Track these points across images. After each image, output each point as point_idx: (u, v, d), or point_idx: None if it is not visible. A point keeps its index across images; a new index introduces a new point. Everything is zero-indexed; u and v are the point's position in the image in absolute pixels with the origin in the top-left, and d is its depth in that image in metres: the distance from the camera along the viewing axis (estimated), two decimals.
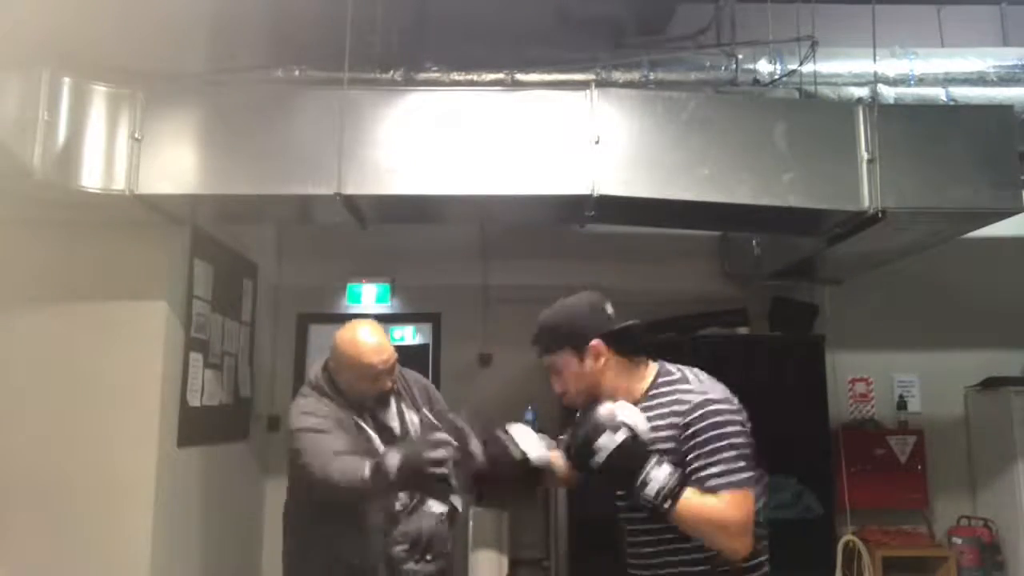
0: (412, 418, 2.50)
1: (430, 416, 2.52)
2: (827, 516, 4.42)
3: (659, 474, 1.61)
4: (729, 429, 1.66)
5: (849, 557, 3.81)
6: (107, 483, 3.30)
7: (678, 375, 1.80)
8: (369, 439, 2.36)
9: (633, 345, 1.80)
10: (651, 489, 1.60)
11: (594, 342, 1.76)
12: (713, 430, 1.65)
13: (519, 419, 1.96)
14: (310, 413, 2.37)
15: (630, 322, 1.82)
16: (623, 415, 1.65)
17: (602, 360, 1.76)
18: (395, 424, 2.43)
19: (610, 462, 1.62)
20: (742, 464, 1.64)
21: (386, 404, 2.43)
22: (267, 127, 3.19)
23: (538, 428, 4.64)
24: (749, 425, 1.73)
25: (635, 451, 1.63)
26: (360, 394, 2.40)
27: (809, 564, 4.11)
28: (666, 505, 1.60)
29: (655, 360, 1.84)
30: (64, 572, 3.22)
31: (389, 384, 2.40)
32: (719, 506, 1.59)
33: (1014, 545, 4.48)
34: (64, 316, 3.41)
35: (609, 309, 1.82)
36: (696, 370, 1.83)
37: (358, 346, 2.36)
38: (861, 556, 3.75)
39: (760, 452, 1.81)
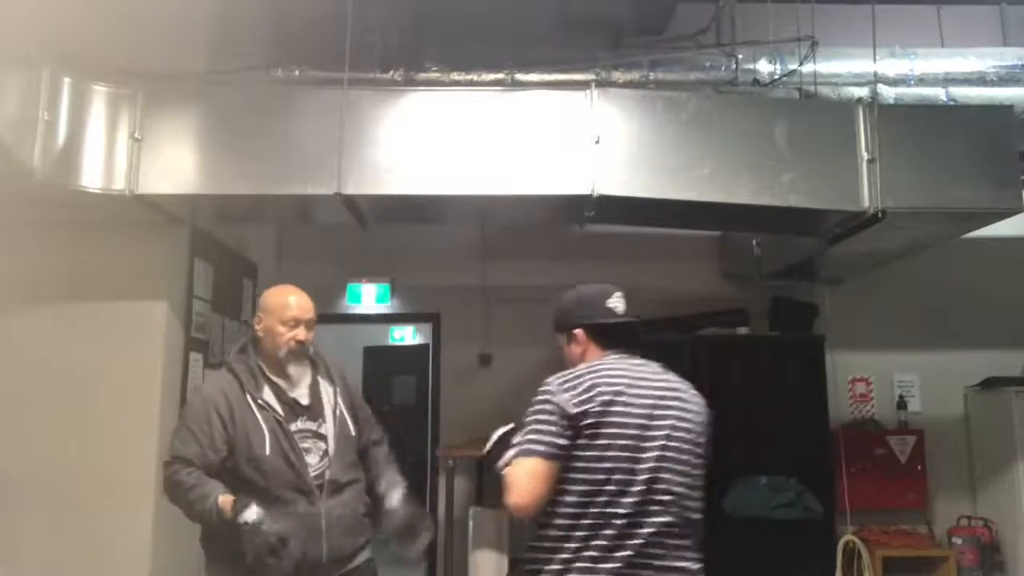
0: (327, 389, 2.58)
1: (344, 396, 2.61)
2: (827, 516, 4.42)
3: (510, 453, 1.88)
4: (534, 406, 1.89)
5: (849, 557, 3.81)
6: (107, 483, 3.30)
7: (600, 366, 1.94)
8: (255, 422, 2.41)
9: (610, 339, 2.02)
10: (501, 462, 1.90)
11: (576, 331, 2.04)
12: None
13: (518, 419, 2.03)
14: (200, 395, 2.53)
15: (616, 319, 2.03)
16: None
17: (580, 348, 2.03)
18: (304, 398, 2.53)
19: (491, 448, 1.97)
20: (527, 434, 1.85)
21: (297, 380, 2.54)
22: (267, 127, 3.19)
23: None
24: (563, 407, 1.85)
25: (507, 439, 1.93)
26: (276, 345, 2.50)
27: (809, 564, 4.12)
28: (502, 471, 1.88)
29: (626, 352, 2.01)
30: (64, 572, 3.22)
31: (303, 336, 2.53)
32: (510, 469, 1.86)
33: (1014, 545, 4.48)
34: (64, 316, 3.41)
35: (610, 302, 2.04)
36: (621, 362, 1.96)
37: (284, 293, 2.60)
38: (861, 556, 3.75)
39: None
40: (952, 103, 3.72)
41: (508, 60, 3.71)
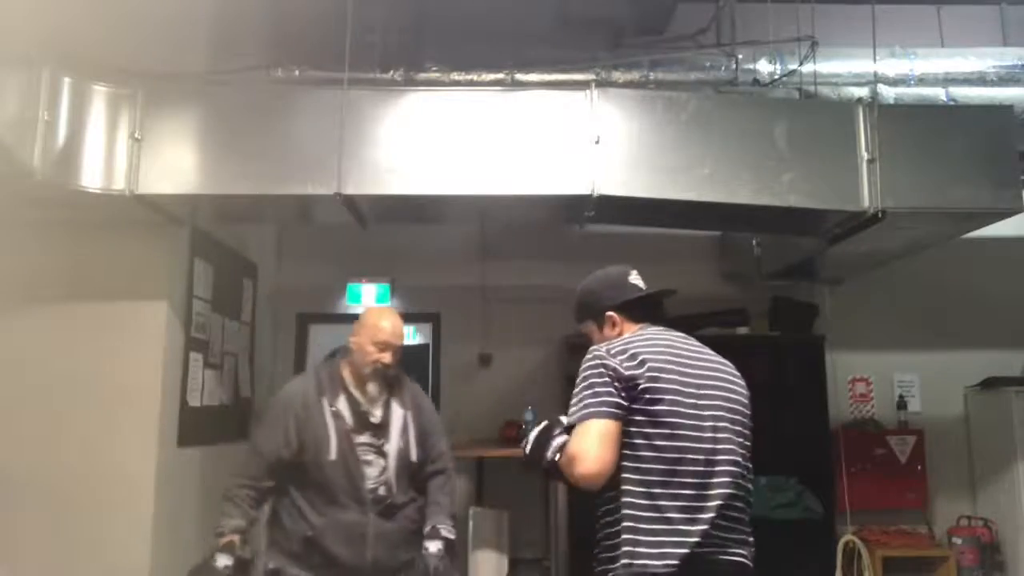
0: (398, 412, 2.72)
1: (416, 423, 2.77)
2: (827, 516, 4.42)
3: (558, 440, 1.87)
4: (584, 373, 1.86)
5: (849, 557, 3.82)
6: (107, 483, 3.30)
7: (642, 336, 1.96)
8: (325, 426, 2.62)
9: (641, 312, 2.06)
10: (550, 452, 1.87)
11: (608, 313, 2.06)
12: (578, 375, 1.88)
13: (517, 416, 2.10)
14: (281, 395, 2.77)
15: (642, 292, 2.08)
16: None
17: (616, 328, 2.05)
18: (376, 414, 2.68)
19: (533, 446, 1.93)
20: (585, 400, 1.82)
21: (373, 397, 2.69)
22: (267, 127, 3.19)
23: None
24: (617, 369, 1.83)
25: (550, 431, 1.91)
26: (363, 362, 2.67)
27: (809, 564, 4.12)
28: (556, 457, 1.85)
29: (654, 324, 2.05)
30: (64, 572, 3.22)
31: (388, 360, 2.66)
32: (570, 440, 1.83)
33: (1014, 545, 4.48)
34: (64, 316, 3.41)
35: (632, 279, 2.11)
36: (663, 334, 1.99)
37: (382, 316, 2.75)
38: (861, 556, 3.75)
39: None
40: (952, 103, 3.72)
41: (508, 60, 3.71)
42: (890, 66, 3.77)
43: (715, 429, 1.85)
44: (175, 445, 3.52)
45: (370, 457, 2.64)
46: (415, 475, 2.75)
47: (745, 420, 1.97)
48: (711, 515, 1.80)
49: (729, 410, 1.91)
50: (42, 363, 3.35)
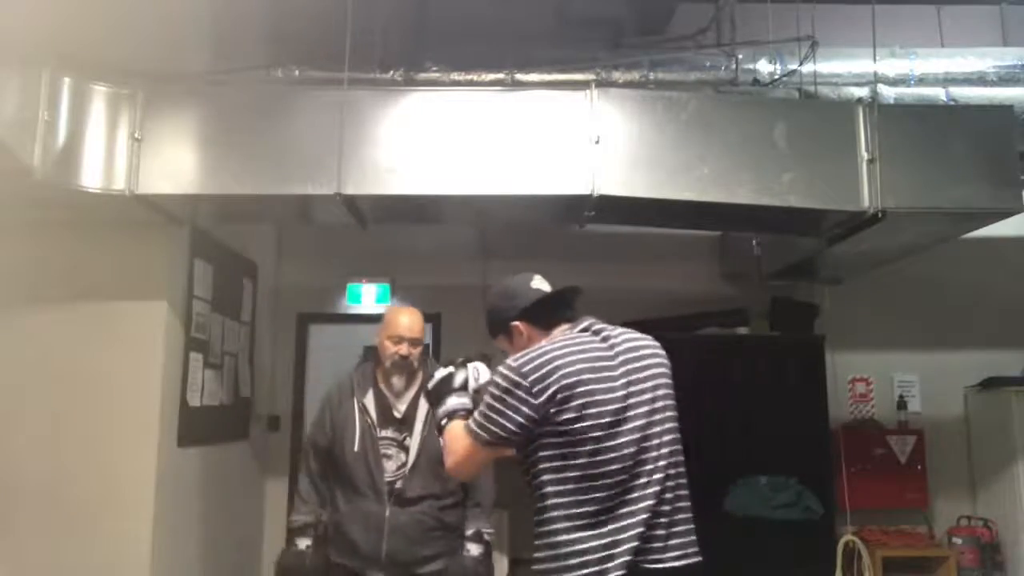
0: (424, 406, 2.76)
1: None
2: (827, 516, 4.42)
3: (454, 401, 2.01)
4: (494, 386, 1.86)
5: (849, 557, 3.81)
6: (107, 483, 3.30)
7: (553, 346, 1.90)
8: (352, 419, 2.79)
9: (549, 316, 2.00)
10: (441, 411, 2.01)
11: (514, 324, 2.01)
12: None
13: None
14: (324, 396, 2.99)
15: (542, 294, 2.02)
16: (472, 364, 2.11)
17: (524, 336, 2.00)
18: (399, 409, 2.81)
19: (432, 388, 2.07)
20: (483, 412, 1.85)
21: (399, 392, 2.82)
22: (267, 127, 3.19)
23: None
24: (527, 388, 1.81)
25: (448, 383, 2.05)
26: (383, 357, 2.82)
27: (809, 564, 4.11)
28: (443, 422, 1.99)
29: (570, 325, 1.99)
30: (64, 572, 3.22)
31: (404, 351, 2.78)
32: (452, 429, 1.95)
33: (1014, 545, 4.48)
34: (64, 316, 3.41)
35: (534, 284, 2.04)
36: (573, 337, 1.93)
37: (398, 312, 2.89)
38: (861, 556, 3.75)
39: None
40: (952, 103, 3.71)
41: (508, 60, 3.70)
42: (890, 66, 3.77)
43: (644, 428, 1.79)
44: (175, 445, 3.52)
45: (391, 451, 2.75)
46: (439, 471, 2.67)
47: (673, 402, 1.90)
48: (644, 517, 1.74)
49: (656, 398, 1.84)
50: (42, 363, 3.36)
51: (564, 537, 1.74)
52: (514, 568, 4.37)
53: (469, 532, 2.77)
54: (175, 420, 3.53)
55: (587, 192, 3.12)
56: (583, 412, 1.76)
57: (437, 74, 3.71)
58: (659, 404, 1.85)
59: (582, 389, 1.77)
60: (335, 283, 5.00)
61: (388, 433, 2.77)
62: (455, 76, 3.70)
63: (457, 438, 1.91)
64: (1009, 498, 4.52)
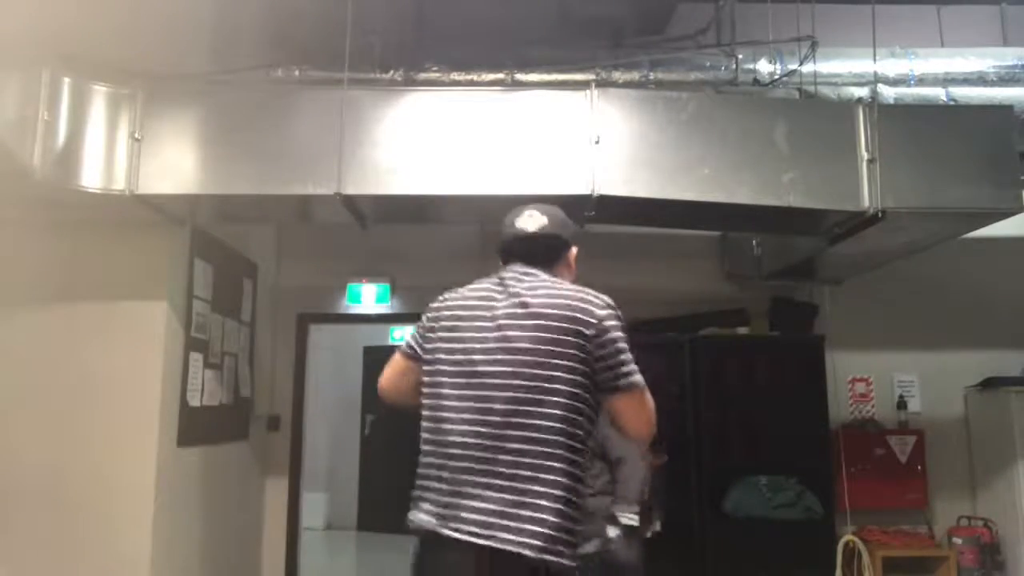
0: None
1: None
2: (827, 516, 4.42)
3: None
4: None
5: (849, 557, 3.82)
6: (107, 483, 3.30)
7: (475, 283, 1.94)
8: None
9: (508, 255, 1.95)
10: None
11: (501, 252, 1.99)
12: None
13: None
14: None
15: (510, 234, 1.94)
16: None
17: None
18: None
19: None
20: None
21: None
22: (267, 127, 3.19)
23: None
24: (424, 316, 1.96)
25: None
26: None
27: (809, 564, 4.12)
28: None
29: (523, 266, 1.90)
30: (64, 572, 3.22)
31: None
32: None
33: (1014, 545, 4.48)
34: (64, 316, 3.41)
35: (519, 221, 1.93)
36: (494, 279, 1.90)
37: None
38: (861, 556, 3.75)
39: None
40: (952, 103, 3.71)
41: (508, 60, 3.71)
42: (890, 66, 3.77)
43: (499, 387, 1.69)
44: (175, 445, 3.52)
45: None
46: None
47: (539, 359, 1.69)
48: (461, 477, 1.65)
49: (517, 363, 1.69)
50: (42, 363, 3.36)
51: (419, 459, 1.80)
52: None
53: (608, 515, 2.89)
54: (175, 420, 3.53)
55: (587, 192, 3.12)
56: (439, 350, 1.82)
57: (437, 74, 3.71)
58: (516, 364, 1.70)
59: (446, 327, 1.84)
60: (335, 283, 5.00)
61: None
62: (455, 76, 3.70)
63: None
64: (1009, 498, 4.52)
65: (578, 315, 1.73)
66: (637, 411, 1.77)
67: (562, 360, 1.69)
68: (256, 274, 4.60)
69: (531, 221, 1.92)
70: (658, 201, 3.17)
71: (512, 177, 3.15)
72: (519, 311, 1.76)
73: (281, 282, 5.01)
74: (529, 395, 1.67)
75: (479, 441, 1.67)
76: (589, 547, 2.88)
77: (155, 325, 3.46)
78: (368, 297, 4.99)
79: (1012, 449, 4.49)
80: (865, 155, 3.17)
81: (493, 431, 1.67)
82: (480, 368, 1.73)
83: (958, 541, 4.58)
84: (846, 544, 3.83)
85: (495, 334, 1.75)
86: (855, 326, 4.87)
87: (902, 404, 4.91)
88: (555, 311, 1.74)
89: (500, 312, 1.78)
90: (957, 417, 4.96)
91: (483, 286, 1.88)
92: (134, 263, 3.48)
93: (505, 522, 1.59)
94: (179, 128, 3.19)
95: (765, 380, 4.61)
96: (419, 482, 1.76)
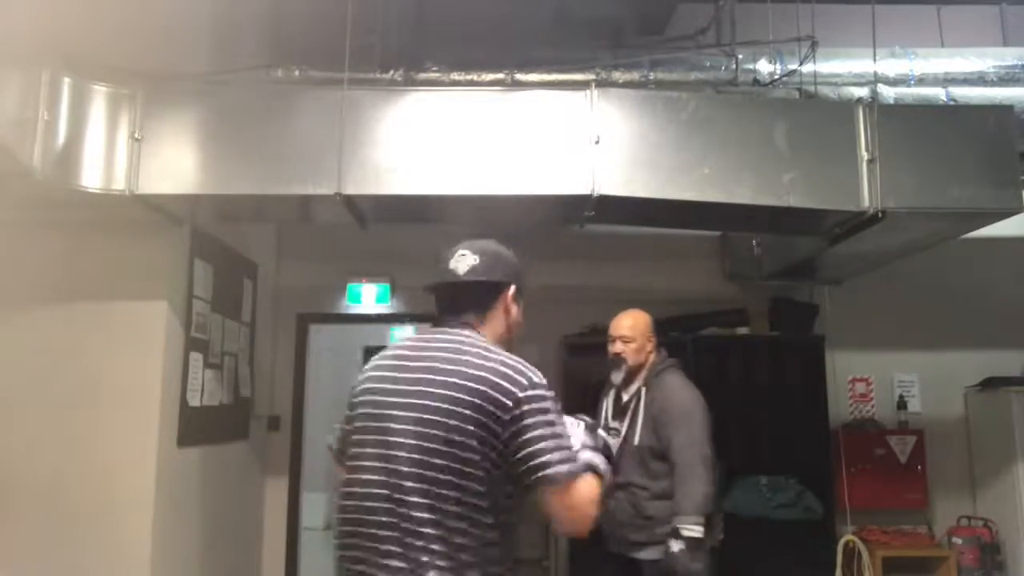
0: (639, 399, 3.07)
1: (648, 411, 3.06)
2: (827, 516, 4.42)
3: None
4: None
5: (849, 557, 3.82)
6: (107, 483, 3.30)
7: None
8: (599, 413, 3.19)
9: (439, 306, 1.84)
10: None
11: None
12: None
13: None
14: None
15: (444, 281, 1.81)
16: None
17: None
18: (623, 400, 3.15)
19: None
20: None
21: (624, 386, 3.15)
22: (267, 127, 3.19)
23: None
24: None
25: None
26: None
27: (809, 564, 4.12)
28: None
29: (449, 322, 1.80)
30: (64, 572, 3.22)
31: (616, 349, 3.13)
32: None
33: (1014, 545, 4.48)
34: (64, 316, 3.41)
35: (451, 263, 1.80)
36: (408, 338, 1.89)
37: (622, 313, 3.22)
38: (861, 556, 3.75)
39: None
40: (952, 103, 3.72)
41: (508, 60, 3.71)
42: (890, 66, 3.77)
43: (400, 459, 1.61)
44: (175, 445, 3.52)
45: (613, 441, 2.91)
46: (644, 461, 2.99)
47: (443, 434, 1.58)
48: (356, 541, 1.64)
49: (420, 432, 1.60)
50: (42, 363, 3.35)
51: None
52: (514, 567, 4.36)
53: (669, 528, 2.86)
54: (175, 420, 3.52)
55: (587, 192, 3.12)
56: (356, 419, 1.73)
57: (437, 74, 3.71)
58: (416, 437, 1.61)
59: (365, 403, 1.72)
60: (335, 283, 5.00)
61: (615, 424, 3.08)
62: (455, 76, 3.71)
63: None
64: (1009, 498, 4.52)
65: (493, 393, 1.58)
66: (567, 503, 1.58)
67: (470, 440, 1.56)
68: (256, 274, 4.60)
69: (461, 262, 1.78)
70: (658, 201, 3.17)
71: (512, 177, 3.15)
72: (431, 378, 1.63)
73: (281, 282, 5.00)
74: (433, 473, 1.57)
75: (386, 518, 1.60)
76: (652, 553, 2.89)
77: (155, 325, 3.45)
78: (368, 297, 4.99)
79: (1012, 449, 4.49)
80: (865, 155, 3.17)
81: (398, 507, 1.59)
82: (392, 439, 1.63)
83: (958, 541, 4.58)
84: (846, 544, 3.83)
85: (405, 401, 1.64)
86: (855, 326, 4.87)
87: (902, 404, 4.91)
88: (468, 384, 1.59)
89: (413, 378, 1.66)
90: (957, 417, 4.96)
91: (402, 348, 1.78)
92: (134, 263, 3.47)
93: None
94: (179, 128, 3.19)
95: (765, 380, 4.60)
96: (336, 543, 1.72)
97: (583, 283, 4.89)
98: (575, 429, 1.71)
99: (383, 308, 5.03)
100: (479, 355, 1.65)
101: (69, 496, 3.27)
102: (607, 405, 3.22)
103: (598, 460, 1.67)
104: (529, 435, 1.56)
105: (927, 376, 4.97)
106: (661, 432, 2.97)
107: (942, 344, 4.97)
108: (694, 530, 2.78)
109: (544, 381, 1.64)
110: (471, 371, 1.61)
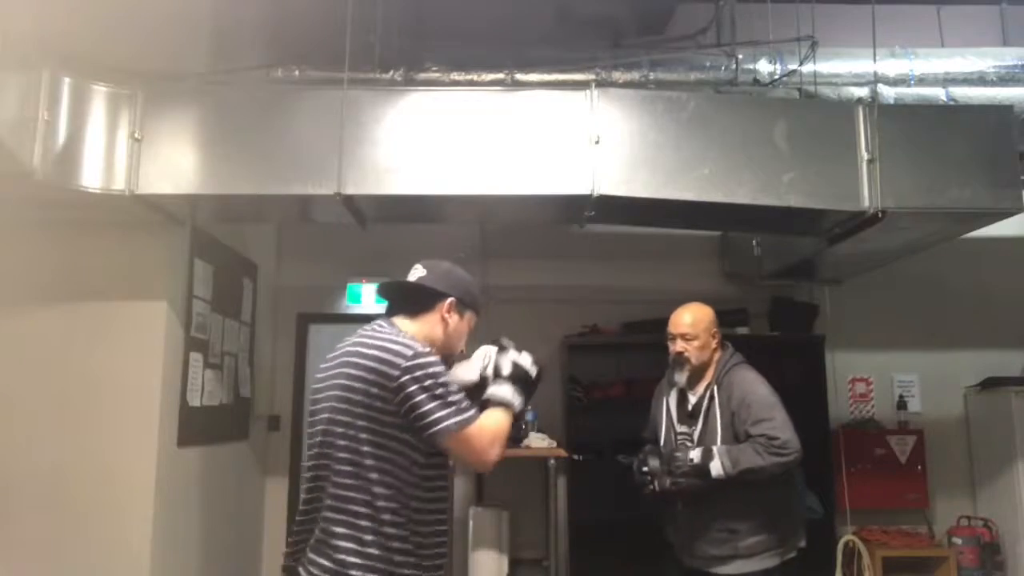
0: (712, 400, 2.83)
1: (724, 410, 2.83)
2: (827, 516, 4.42)
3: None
4: None
5: (849, 557, 3.81)
6: (107, 483, 3.30)
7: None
8: (660, 416, 2.94)
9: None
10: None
11: None
12: None
13: None
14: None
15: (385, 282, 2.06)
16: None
17: None
18: (691, 402, 2.87)
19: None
20: None
21: (691, 388, 2.88)
22: (267, 127, 3.19)
23: (538, 427, 4.59)
24: None
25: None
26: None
27: (809, 564, 4.11)
28: None
29: (389, 317, 2.02)
30: (64, 572, 3.22)
31: (677, 347, 2.84)
32: None
33: (1014, 545, 4.48)
34: (64, 316, 3.41)
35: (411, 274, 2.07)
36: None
37: (676, 311, 2.92)
38: (861, 556, 3.75)
39: None
40: (952, 103, 3.72)
41: (508, 60, 3.71)
42: (890, 66, 3.77)
43: (323, 433, 1.82)
44: (175, 445, 3.52)
45: (687, 445, 2.80)
46: None
47: (348, 417, 1.78)
48: (301, 519, 1.87)
49: (332, 409, 1.81)
50: (42, 363, 3.35)
51: None
52: (514, 568, 4.37)
53: (754, 540, 2.76)
54: (175, 420, 3.53)
55: (587, 192, 3.12)
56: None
57: (437, 74, 3.71)
58: (332, 415, 1.82)
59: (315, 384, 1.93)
60: (335, 283, 5.00)
61: (683, 428, 2.84)
62: (455, 76, 3.70)
63: None
64: (1009, 498, 4.52)
65: (380, 366, 1.77)
66: (465, 450, 1.80)
67: (363, 409, 1.76)
68: (256, 274, 4.60)
69: (413, 273, 2.05)
70: (658, 201, 3.17)
71: (512, 177, 3.15)
72: (341, 359, 1.85)
73: (281, 282, 5.01)
74: (334, 440, 1.78)
75: (310, 485, 1.84)
76: (736, 568, 2.73)
77: (155, 325, 3.45)
78: (368, 297, 4.99)
79: (1012, 449, 4.49)
80: (865, 155, 3.17)
81: (318, 479, 1.81)
82: (320, 427, 1.84)
83: (958, 541, 4.58)
84: (846, 544, 3.82)
85: (325, 394, 1.85)
86: (855, 326, 4.88)
87: (902, 404, 4.92)
88: (361, 360, 1.80)
89: (334, 363, 1.87)
90: (957, 417, 4.96)
91: (337, 349, 1.95)
92: (134, 263, 3.47)
93: (313, 556, 1.78)
94: (179, 128, 3.19)
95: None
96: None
97: (583, 283, 4.89)
98: (478, 363, 1.98)
99: (383, 308, 5.02)
100: (375, 338, 1.85)
101: (69, 496, 3.27)
102: (670, 407, 2.90)
103: (506, 392, 1.90)
104: (415, 400, 1.75)
105: (927, 376, 4.97)
106: (741, 428, 2.74)
107: (942, 344, 4.97)
108: (721, 467, 2.66)
109: (427, 349, 1.83)
110: (365, 349, 1.82)
